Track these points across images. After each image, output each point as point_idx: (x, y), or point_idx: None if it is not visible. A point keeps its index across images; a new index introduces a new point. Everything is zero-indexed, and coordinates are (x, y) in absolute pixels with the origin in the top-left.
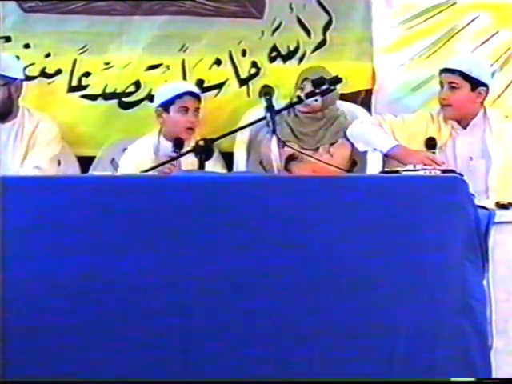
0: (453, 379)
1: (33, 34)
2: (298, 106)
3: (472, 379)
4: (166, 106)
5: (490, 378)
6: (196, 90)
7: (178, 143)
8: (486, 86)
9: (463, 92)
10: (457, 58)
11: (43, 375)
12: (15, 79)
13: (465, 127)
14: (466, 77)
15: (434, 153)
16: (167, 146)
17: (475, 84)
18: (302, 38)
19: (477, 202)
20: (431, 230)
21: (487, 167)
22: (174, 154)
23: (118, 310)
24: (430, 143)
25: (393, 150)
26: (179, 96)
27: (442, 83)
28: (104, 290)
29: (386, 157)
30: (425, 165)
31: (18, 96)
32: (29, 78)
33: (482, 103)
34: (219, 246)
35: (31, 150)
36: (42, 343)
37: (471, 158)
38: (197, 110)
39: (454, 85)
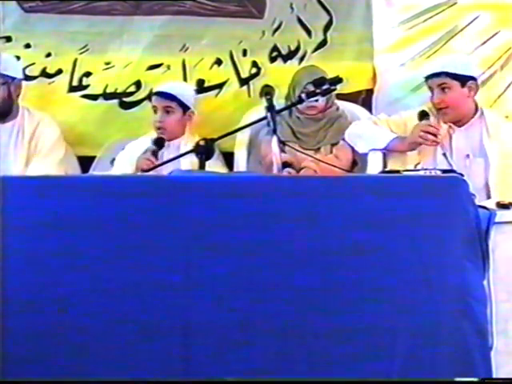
0: (457, 379)
1: (33, 33)
2: (301, 108)
3: (475, 379)
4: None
5: (494, 378)
6: (167, 89)
7: (158, 142)
8: (473, 78)
9: (455, 91)
10: (438, 61)
11: None
12: (14, 78)
13: (461, 126)
14: (452, 76)
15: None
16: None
17: (463, 80)
18: (303, 38)
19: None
20: (431, 229)
21: (485, 166)
22: (152, 154)
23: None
24: (424, 116)
25: (391, 144)
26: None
27: (431, 89)
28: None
29: (387, 151)
30: (424, 133)
31: (18, 95)
32: (29, 78)
33: (474, 97)
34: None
35: (34, 153)
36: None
37: (468, 156)
38: (166, 108)
39: (444, 86)
